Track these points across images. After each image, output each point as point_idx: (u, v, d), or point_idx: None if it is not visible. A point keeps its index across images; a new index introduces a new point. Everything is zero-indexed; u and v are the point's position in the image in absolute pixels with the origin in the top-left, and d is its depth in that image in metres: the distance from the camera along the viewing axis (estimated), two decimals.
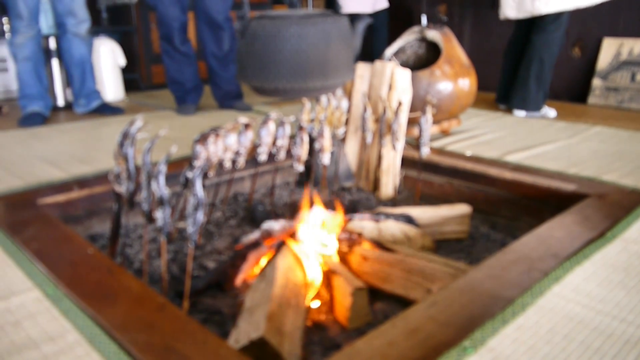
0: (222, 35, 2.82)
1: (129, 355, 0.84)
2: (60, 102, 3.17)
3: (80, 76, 2.95)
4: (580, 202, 1.56)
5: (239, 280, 1.41)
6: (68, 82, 3.12)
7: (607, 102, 3.36)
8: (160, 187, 1.13)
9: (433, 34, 2.21)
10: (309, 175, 2.14)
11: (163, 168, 1.13)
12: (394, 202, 1.97)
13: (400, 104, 1.74)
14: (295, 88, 1.28)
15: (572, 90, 3.56)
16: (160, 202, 1.14)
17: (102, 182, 1.71)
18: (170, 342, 0.86)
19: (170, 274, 1.43)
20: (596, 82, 3.42)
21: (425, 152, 1.76)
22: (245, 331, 1.06)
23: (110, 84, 3.38)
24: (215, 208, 1.85)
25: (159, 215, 1.14)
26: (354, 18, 1.41)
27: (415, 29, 2.31)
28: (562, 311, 0.98)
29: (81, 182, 1.69)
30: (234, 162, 1.62)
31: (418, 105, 2.12)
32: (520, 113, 2.91)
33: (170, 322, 0.92)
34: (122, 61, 3.40)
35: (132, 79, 3.79)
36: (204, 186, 1.12)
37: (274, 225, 1.62)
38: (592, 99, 3.42)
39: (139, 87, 3.88)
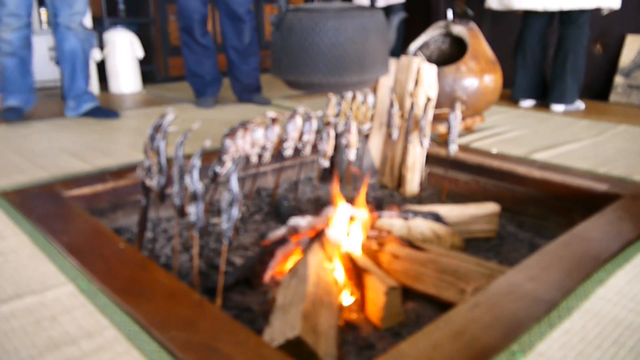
0: (243, 27, 2.80)
1: (169, 354, 0.82)
2: None
3: (69, 74, 2.66)
4: (613, 202, 1.53)
5: (267, 276, 1.39)
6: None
7: (630, 100, 3.31)
8: (194, 182, 1.11)
9: (459, 29, 2.18)
10: (332, 171, 2.12)
11: (197, 162, 1.11)
12: (418, 199, 1.94)
13: (429, 99, 1.71)
14: (331, 82, 1.25)
15: (594, 87, 3.51)
16: (194, 197, 1.12)
17: (126, 175, 1.69)
18: (210, 341, 0.84)
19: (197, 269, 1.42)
20: (618, 79, 3.36)
21: (453, 149, 1.73)
22: (280, 330, 1.05)
23: (127, 76, 3.37)
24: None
25: (192, 210, 1.12)
26: (388, 11, 1.38)
27: (441, 23, 2.27)
28: (608, 315, 0.95)
29: (106, 175, 1.67)
30: (259, 156, 1.60)
31: (443, 101, 2.09)
32: (559, 107, 2.91)
33: (209, 320, 0.90)
34: (140, 53, 3.38)
35: (148, 71, 3.77)
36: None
37: (301, 221, 1.60)
38: (613, 97, 3.37)
39: (156, 79, 3.86)
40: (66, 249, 1.14)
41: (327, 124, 1.71)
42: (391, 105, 1.82)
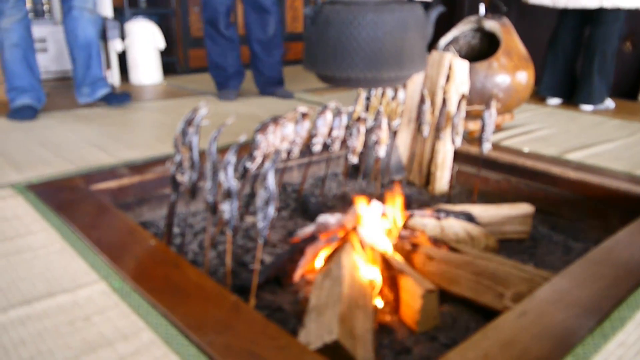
0: (269, 19, 2.76)
1: (209, 358, 0.79)
2: None
3: (84, 61, 2.56)
4: None
5: (297, 275, 1.36)
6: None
7: None
8: (229, 179, 1.07)
9: (491, 24, 2.12)
10: (360, 168, 2.08)
11: (232, 158, 1.08)
12: (448, 198, 1.89)
13: (463, 96, 1.66)
14: (368, 78, 1.21)
15: (622, 85, 3.42)
16: (228, 194, 1.08)
17: (152, 168, 1.67)
18: (250, 346, 0.81)
19: (225, 266, 1.39)
20: None
21: (487, 147, 1.68)
22: (316, 333, 1.01)
23: (148, 67, 3.34)
24: None
25: (226, 207, 1.09)
26: (426, 6, 1.33)
27: (472, 18, 2.21)
28: None
29: (132, 169, 1.65)
30: (288, 152, 1.57)
31: (474, 98, 2.04)
32: (587, 107, 2.85)
33: (248, 324, 0.87)
34: (161, 44, 3.36)
35: (169, 62, 3.75)
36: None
37: (330, 218, 1.57)
38: None
39: (176, 70, 3.84)
40: (97, 245, 1.12)
41: (358, 119, 1.67)
42: (422, 101, 1.77)
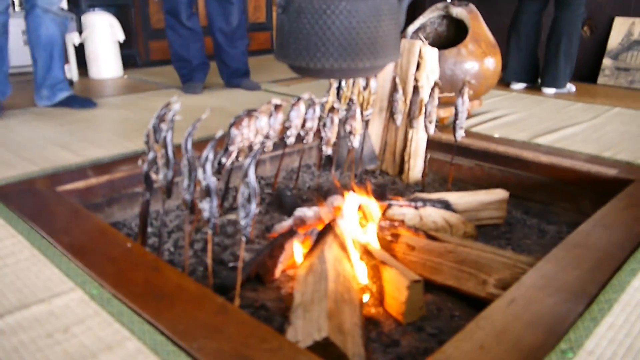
0: (231, 9, 2.69)
1: None
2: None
3: (46, 62, 2.42)
4: (624, 188, 1.51)
5: (278, 271, 1.33)
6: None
7: (617, 82, 3.32)
8: (208, 176, 1.04)
9: (458, 11, 2.13)
10: (332, 158, 2.06)
11: (211, 155, 1.04)
12: (422, 186, 1.90)
13: (436, 84, 1.66)
14: (343, 68, 1.19)
15: (582, 69, 3.50)
16: (207, 192, 1.05)
17: (120, 166, 1.60)
18: (242, 349, 0.79)
19: (204, 265, 1.35)
20: (606, 61, 3.37)
21: (460, 135, 1.69)
22: (305, 331, 0.99)
23: (108, 60, 3.23)
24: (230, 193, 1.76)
25: (205, 206, 1.05)
26: None
27: (439, 5, 2.21)
28: None
29: (99, 167, 1.58)
30: (262, 145, 1.53)
31: (444, 85, 2.04)
32: (550, 91, 2.90)
33: (237, 326, 0.84)
34: (121, 36, 3.24)
35: (129, 55, 3.62)
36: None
37: (307, 212, 1.55)
38: (601, 79, 3.37)
39: (137, 63, 3.72)
40: (69, 250, 1.06)
41: (331, 110, 1.65)
42: (395, 90, 1.76)
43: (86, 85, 3.09)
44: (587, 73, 3.46)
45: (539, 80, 3.10)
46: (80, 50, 3.25)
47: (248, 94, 2.80)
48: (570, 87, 2.99)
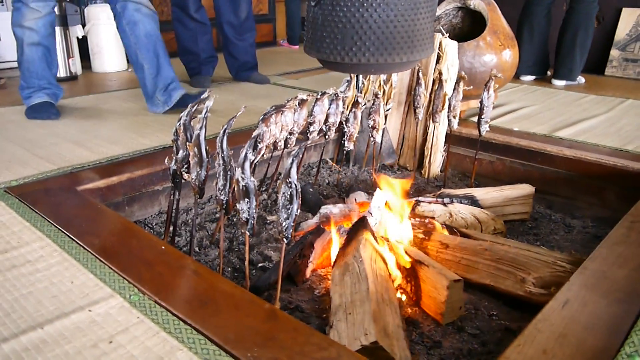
0: (240, 1, 2.64)
1: None
2: (62, 73, 2.90)
3: (153, 64, 2.17)
4: None
5: (309, 271, 1.30)
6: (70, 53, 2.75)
7: (625, 73, 3.30)
8: (247, 176, 1.00)
9: (477, 3, 2.09)
10: (349, 153, 2.03)
11: (249, 154, 1.00)
12: (443, 181, 1.87)
13: (461, 77, 1.63)
14: (380, 63, 1.15)
15: (589, 61, 3.48)
16: (246, 193, 1.01)
17: (140, 164, 1.56)
18: (299, 359, 0.75)
19: (232, 265, 1.32)
20: (614, 52, 3.35)
21: (485, 129, 1.66)
22: (350, 334, 0.96)
23: (112, 53, 3.16)
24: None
25: (244, 207, 1.02)
26: None
27: None
28: None
29: (118, 165, 1.54)
30: (285, 141, 1.50)
31: None
32: (560, 83, 2.88)
33: (290, 333, 0.81)
34: None
35: None
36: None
37: (333, 209, 1.52)
38: (609, 70, 3.36)
39: None
40: (101, 254, 1.03)
41: (355, 104, 1.61)
42: (418, 83, 1.73)
43: (90, 79, 3.03)
44: (594, 64, 3.44)
45: (548, 72, 3.08)
46: (83, 43, 3.18)
47: (257, 87, 2.75)
48: (580, 79, 2.97)
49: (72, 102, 2.42)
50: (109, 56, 3.15)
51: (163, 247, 1.06)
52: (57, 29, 2.82)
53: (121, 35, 2.21)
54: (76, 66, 2.95)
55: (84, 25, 3.08)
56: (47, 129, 1.95)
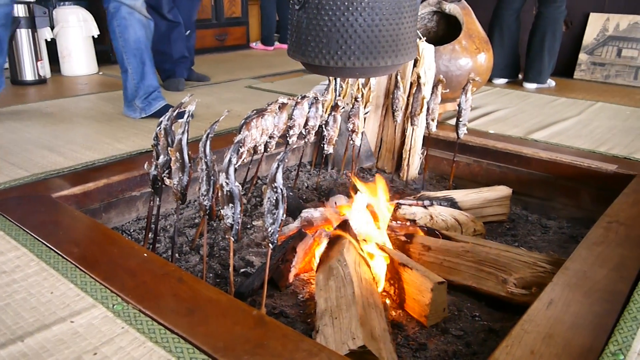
0: (198, 4, 2.67)
1: None
2: (30, 76, 2.82)
3: (137, 70, 2.16)
4: (626, 183, 1.53)
5: (291, 275, 1.29)
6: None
7: (593, 77, 3.39)
8: (231, 181, 0.99)
9: (452, 7, 2.12)
10: (327, 157, 2.02)
11: (234, 159, 0.99)
12: (422, 184, 1.88)
13: (440, 81, 1.65)
14: (365, 66, 1.15)
15: (559, 64, 3.56)
16: (230, 198, 1.00)
17: (116, 169, 1.53)
18: None
19: (214, 271, 1.30)
20: (582, 56, 3.43)
21: (463, 132, 1.68)
22: (337, 339, 0.96)
23: (81, 56, 3.09)
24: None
25: (228, 212, 1.00)
26: None
27: (431, 1, 2.20)
28: None
29: (94, 171, 1.51)
30: (265, 145, 1.49)
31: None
32: (531, 86, 2.94)
33: (279, 340, 0.80)
34: (95, 31, 3.11)
35: (103, 50, 3.48)
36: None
37: (314, 212, 1.51)
38: (577, 74, 3.44)
39: (110, 59, 3.57)
40: (81, 263, 1.00)
41: (334, 108, 1.61)
42: (396, 87, 1.74)
43: (60, 82, 2.95)
44: (563, 68, 3.53)
45: (520, 76, 3.15)
46: (52, 46, 3.11)
47: (233, 91, 2.73)
48: (551, 82, 3.04)
49: (42, 107, 2.36)
50: (79, 59, 3.08)
51: (145, 255, 1.03)
52: (25, 31, 2.76)
53: (111, 36, 2.18)
54: (45, 69, 2.87)
55: (52, 28, 3.01)
56: (17, 134, 1.89)
